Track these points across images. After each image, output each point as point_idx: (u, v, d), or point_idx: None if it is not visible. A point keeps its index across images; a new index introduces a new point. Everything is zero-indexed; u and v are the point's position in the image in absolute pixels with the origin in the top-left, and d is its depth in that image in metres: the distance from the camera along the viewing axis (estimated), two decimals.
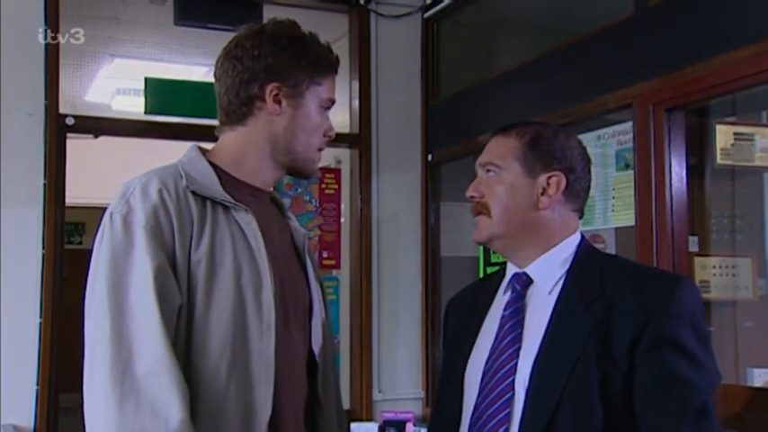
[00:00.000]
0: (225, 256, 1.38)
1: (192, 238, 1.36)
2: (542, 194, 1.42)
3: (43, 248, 3.26)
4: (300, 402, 1.48)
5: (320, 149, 1.54)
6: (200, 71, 4.50)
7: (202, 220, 1.38)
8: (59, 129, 3.34)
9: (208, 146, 1.56)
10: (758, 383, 2.69)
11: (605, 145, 2.83)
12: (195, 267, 1.35)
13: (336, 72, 1.56)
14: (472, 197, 1.46)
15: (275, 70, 1.46)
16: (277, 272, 1.44)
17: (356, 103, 3.92)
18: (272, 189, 1.59)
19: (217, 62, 1.54)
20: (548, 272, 1.42)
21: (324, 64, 1.51)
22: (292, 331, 1.47)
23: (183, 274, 1.35)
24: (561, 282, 1.40)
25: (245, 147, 1.50)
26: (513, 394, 1.33)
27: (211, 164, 1.48)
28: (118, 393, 1.24)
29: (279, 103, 1.48)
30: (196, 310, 1.35)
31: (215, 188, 1.42)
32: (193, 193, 1.39)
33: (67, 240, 4.01)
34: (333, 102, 1.55)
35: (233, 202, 1.42)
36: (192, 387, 1.31)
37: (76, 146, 3.53)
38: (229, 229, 1.40)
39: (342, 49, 3.96)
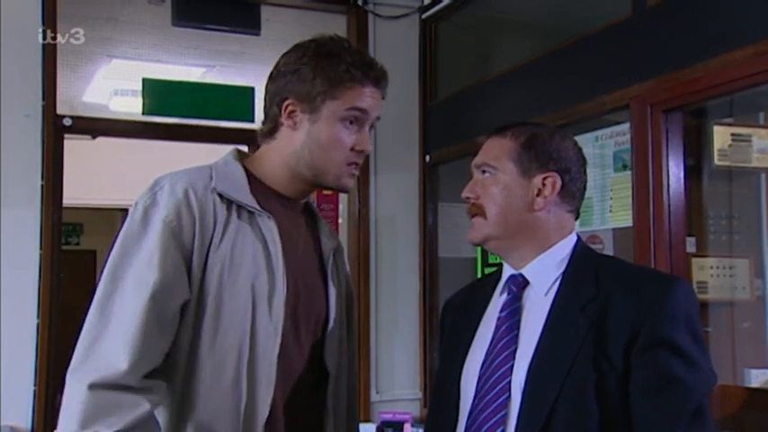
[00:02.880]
0: (243, 259, 1.41)
1: (212, 239, 1.40)
2: (537, 195, 1.42)
3: (41, 249, 3.26)
4: (300, 409, 1.48)
5: (352, 164, 1.50)
6: (198, 72, 4.48)
7: (226, 223, 1.41)
8: (57, 129, 3.34)
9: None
10: (755, 384, 2.70)
11: (603, 146, 2.84)
12: (212, 268, 1.39)
13: (370, 82, 1.48)
14: (468, 198, 1.46)
15: (291, 87, 1.48)
16: (292, 281, 1.46)
17: None
18: (304, 200, 1.59)
19: None
20: (544, 273, 1.42)
21: (343, 78, 1.46)
22: (302, 340, 1.49)
23: (198, 269, 1.38)
24: (557, 283, 1.40)
25: (272, 160, 1.53)
26: (510, 396, 1.33)
27: (246, 170, 1.50)
28: (82, 369, 1.31)
29: (294, 118, 1.49)
30: (207, 309, 1.38)
31: (242, 193, 1.45)
32: (220, 195, 1.42)
33: (65, 241, 4.01)
34: (360, 110, 1.47)
35: (257, 207, 1.44)
36: (194, 381, 1.37)
37: (74, 146, 3.54)
38: (252, 233, 1.43)
39: None
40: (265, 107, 1.54)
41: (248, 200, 1.44)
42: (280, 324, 1.41)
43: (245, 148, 1.64)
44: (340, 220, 3.97)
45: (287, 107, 1.48)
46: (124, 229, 1.40)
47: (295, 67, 1.48)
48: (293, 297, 1.46)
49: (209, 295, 1.38)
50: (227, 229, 1.41)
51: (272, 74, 1.54)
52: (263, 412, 1.39)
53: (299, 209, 1.57)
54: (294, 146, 1.49)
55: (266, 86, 1.55)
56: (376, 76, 1.50)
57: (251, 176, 1.50)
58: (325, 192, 3.88)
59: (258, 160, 1.55)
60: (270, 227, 1.45)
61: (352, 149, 1.49)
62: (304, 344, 1.49)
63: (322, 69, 1.47)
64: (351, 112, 1.47)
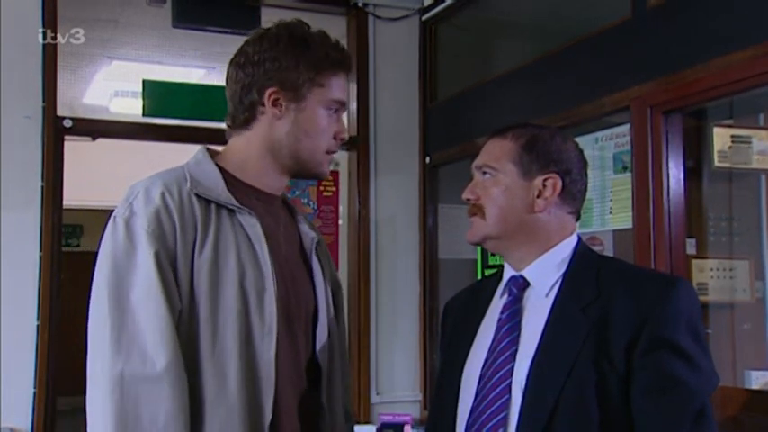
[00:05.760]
0: (228, 259, 1.38)
1: (195, 242, 1.36)
2: (538, 197, 1.41)
3: (41, 251, 3.26)
4: (300, 409, 1.46)
5: (330, 152, 1.52)
6: (198, 73, 4.49)
7: (206, 224, 1.38)
8: (57, 131, 3.34)
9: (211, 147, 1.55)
10: (756, 386, 2.69)
11: (603, 147, 2.84)
12: (198, 271, 1.36)
13: (345, 71, 1.52)
14: (468, 199, 1.46)
15: (274, 74, 1.45)
16: (281, 276, 1.44)
17: (354, 105, 3.92)
18: (281, 193, 1.57)
19: (227, 69, 1.54)
20: (544, 274, 1.41)
21: (326, 64, 1.48)
22: (297, 336, 1.47)
23: (185, 277, 1.35)
24: (558, 284, 1.39)
25: (249, 151, 1.50)
26: (510, 397, 1.33)
27: (219, 167, 1.47)
28: (117, 398, 1.26)
29: (279, 107, 1.47)
30: (201, 314, 1.35)
31: (219, 191, 1.42)
32: (197, 196, 1.39)
33: (65, 243, 4.01)
34: (340, 103, 1.51)
35: (237, 205, 1.42)
36: (199, 391, 1.33)
37: (74, 148, 3.53)
38: (233, 232, 1.40)
39: None
40: (237, 96, 1.49)
41: (227, 198, 1.41)
42: (274, 322, 1.38)
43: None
44: (340, 222, 3.97)
45: (270, 95, 1.46)
46: (109, 247, 1.35)
47: (273, 55, 1.46)
48: (284, 294, 1.43)
49: (200, 301, 1.35)
50: (208, 230, 1.37)
51: (239, 61, 1.49)
52: (267, 415, 1.36)
53: (277, 204, 1.55)
54: (278, 134, 1.47)
55: (233, 74, 1.50)
56: (348, 63, 1.53)
57: (225, 173, 1.46)
58: (325, 194, 3.89)
59: (230, 155, 1.51)
60: (252, 223, 1.41)
61: (333, 137, 1.51)
62: (299, 341, 1.47)
63: (303, 56, 1.46)
64: (334, 104, 1.49)
